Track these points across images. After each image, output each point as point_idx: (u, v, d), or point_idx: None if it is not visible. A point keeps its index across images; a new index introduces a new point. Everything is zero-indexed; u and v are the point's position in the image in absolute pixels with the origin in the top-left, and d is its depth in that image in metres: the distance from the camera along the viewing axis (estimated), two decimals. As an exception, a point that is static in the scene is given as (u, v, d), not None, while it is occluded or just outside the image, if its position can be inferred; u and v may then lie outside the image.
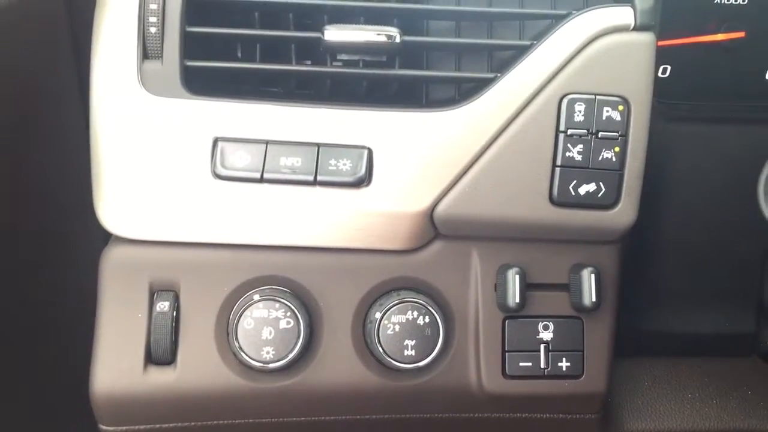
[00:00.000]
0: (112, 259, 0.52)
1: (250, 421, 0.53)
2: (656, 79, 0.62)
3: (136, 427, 0.52)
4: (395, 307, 0.52)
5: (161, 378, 0.51)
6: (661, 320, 0.67)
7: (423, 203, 0.51)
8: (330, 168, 0.49)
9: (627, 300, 0.60)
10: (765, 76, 0.64)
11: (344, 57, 0.51)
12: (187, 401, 0.52)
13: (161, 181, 0.49)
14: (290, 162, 0.49)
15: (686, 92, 0.63)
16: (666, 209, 0.64)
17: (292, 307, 0.50)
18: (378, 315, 0.52)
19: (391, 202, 0.50)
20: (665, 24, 0.60)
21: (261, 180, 0.48)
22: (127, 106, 0.49)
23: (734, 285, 0.66)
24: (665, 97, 0.61)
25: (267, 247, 0.52)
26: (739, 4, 0.61)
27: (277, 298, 0.51)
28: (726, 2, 0.61)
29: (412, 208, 0.51)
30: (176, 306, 0.51)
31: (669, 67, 0.62)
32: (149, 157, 0.49)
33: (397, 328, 0.52)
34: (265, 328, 0.50)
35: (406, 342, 0.52)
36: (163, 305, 0.51)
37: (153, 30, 0.49)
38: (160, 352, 0.51)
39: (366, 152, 0.49)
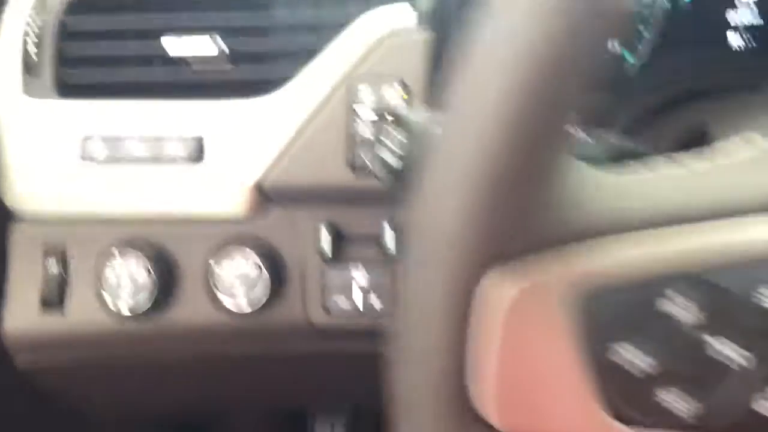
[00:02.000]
0: (15, 230, 0.66)
1: (124, 357, 0.67)
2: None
3: (38, 359, 0.67)
4: (234, 259, 0.64)
5: (53, 320, 0.65)
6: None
7: (251, 177, 0.63)
8: (167, 152, 0.62)
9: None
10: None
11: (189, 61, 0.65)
12: (73, 339, 0.65)
13: (45, 167, 0.63)
14: (136, 148, 0.62)
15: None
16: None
17: (148, 261, 0.64)
18: (221, 266, 0.64)
19: (224, 178, 0.63)
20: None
21: (114, 162, 0.62)
22: (16, 108, 0.64)
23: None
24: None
25: (132, 216, 0.65)
26: None
27: (136, 254, 0.64)
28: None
29: (242, 181, 0.63)
30: (63, 264, 0.65)
31: None
32: (37, 149, 0.63)
33: (235, 277, 0.64)
34: (125, 278, 0.63)
35: (245, 288, 0.64)
36: (52, 263, 0.65)
37: (32, 51, 0.63)
38: (51, 300, 0.65)
39: (198, 137, 0.63)
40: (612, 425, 0.31)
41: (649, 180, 0.31)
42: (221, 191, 0.64)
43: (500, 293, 0.30)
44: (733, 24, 0.73)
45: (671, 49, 0.73)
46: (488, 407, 0.31)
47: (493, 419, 0.31)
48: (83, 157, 0.63)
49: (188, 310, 0.65)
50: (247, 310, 0.65)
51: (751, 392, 0.30)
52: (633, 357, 0.30)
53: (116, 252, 0.64)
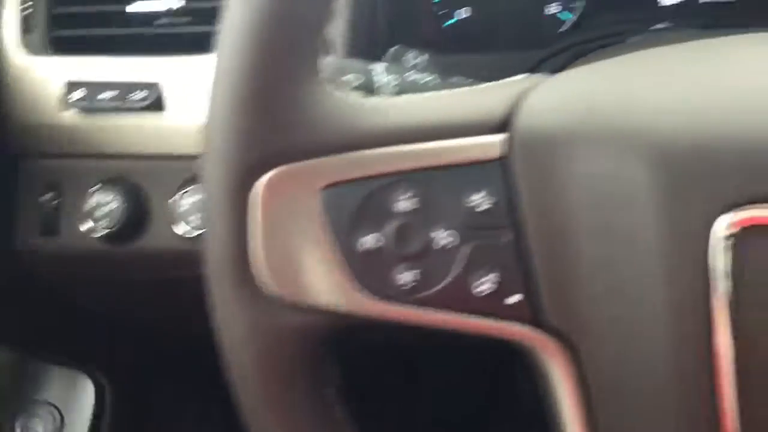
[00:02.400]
0: (21, 167, 0.79)
1: (108, 277, 0.79)
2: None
3: (45, 275, 0.80)
4: (193, 195, 0.75)
5: (51, 243, 0.78)
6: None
7: (201, 118, 0.73)
8: (130, 99, 0.73)
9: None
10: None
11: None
12: (66, 260, 0.78)
13: (38, 112, 0.76)
14: (106, 96, 0.73)
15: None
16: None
17: (124, 195, 0.75)
18: (183, 199, 0.75)
19: (182, 120, 0.74)
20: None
21: (90, 110, 0.74)
22: (17, 61, 0.76)
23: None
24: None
25: (111, 155, 0.77)
26: None
27: (115, 188, 0.75)
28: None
29: (196, 122, 0.73)
30: (59, 196, 0.78)
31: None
32: (31, 97, 0.76)
33: (192, 207, 0.75)
34: (104, 209, 0.75)
35: (198, 219, 0.75)
36: (49, 195, 0.78)
37: (26, 14, 0.75)
38: (48, 227, 0.78)
39: (156, 86, 0.73)
40: (361, 299, 0.39)
41: (386, 103, 0.39)
42: (182, 136, 0.74)
43: (263, 184, 0.38)
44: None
45: (604, 7, 0.78)
46: (266, 282, 0.39)
47: (273, 291, 0.39)
48: (68, 105, 0.74)
49: (155, 237, 0.77)
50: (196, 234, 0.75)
51: (457, 271, 0.37)
52: (371, 243, 0.38)
53: (98, 186, 0.76)
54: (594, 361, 0.37)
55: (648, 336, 0.35)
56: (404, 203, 0.38)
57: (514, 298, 0.38)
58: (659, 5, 0.75)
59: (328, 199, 0.38)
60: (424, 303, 0.38)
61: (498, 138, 0.38)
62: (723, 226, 0.33)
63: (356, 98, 0.39)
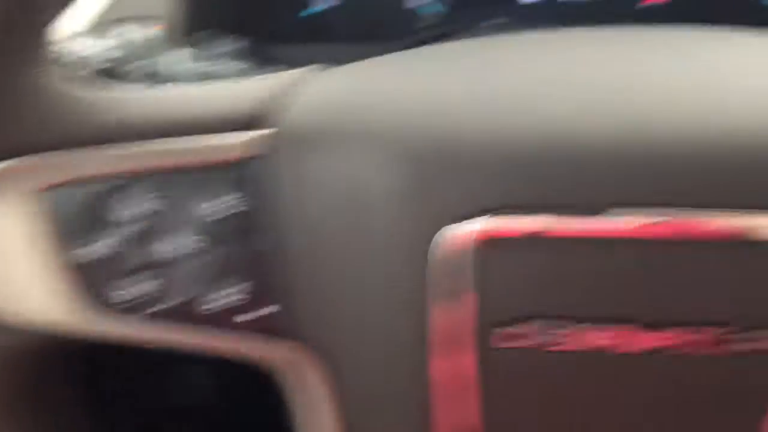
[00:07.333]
0: None
1: None
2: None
3: None
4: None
5: None
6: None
7: None
8: None
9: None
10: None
11: None
12: None
13: None
14: None
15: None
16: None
17: None
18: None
19: None
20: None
21: None
22: None
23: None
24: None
25: None
26: None
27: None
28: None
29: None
30: None
31: None
32: None
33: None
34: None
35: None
36: None
37: None
38: None
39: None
40: (82, 315, 0.34)
41: (123, 96, 0.34)
42: None
43: None
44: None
45: (465, 4, 0.75)
46: None
47: None
48: None
49: None
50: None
51: (198, 282, 0.34)
52: (96, 252, 0.34)
53: None
54: (349, 374, 0.34)
55: (388, 349, 0.32)
56: (135, 208, 0.34)
57: (267, 310, 0.34)
58: (519, 3, 0.73)
59: (50, 202, 0.34)
60: (159, 319, 0.34)
61: (246, 136, 0.34)
62: (458, 236, 0.30)
63: (86, 89, 0.34)
